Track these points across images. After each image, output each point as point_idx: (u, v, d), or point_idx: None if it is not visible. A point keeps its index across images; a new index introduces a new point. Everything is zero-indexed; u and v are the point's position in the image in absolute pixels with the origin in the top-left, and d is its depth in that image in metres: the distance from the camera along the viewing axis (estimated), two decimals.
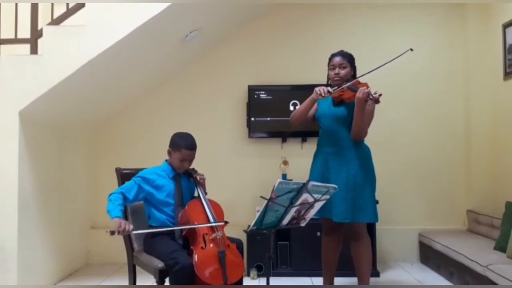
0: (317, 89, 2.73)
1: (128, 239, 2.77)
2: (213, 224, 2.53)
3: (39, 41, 3.22)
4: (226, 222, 2.59)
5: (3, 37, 3.36)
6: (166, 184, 2.67)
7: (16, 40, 3.32)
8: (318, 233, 3.58)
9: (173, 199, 2.66)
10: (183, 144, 2.67)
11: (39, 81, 3.05)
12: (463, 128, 4.25)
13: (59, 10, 3.33)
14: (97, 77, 3.39)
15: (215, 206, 2.70)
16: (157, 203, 2.65)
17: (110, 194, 2.53)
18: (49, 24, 3.20)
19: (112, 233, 2.32)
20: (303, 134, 4.18)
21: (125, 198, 2.53)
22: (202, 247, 2.44)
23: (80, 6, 3.20)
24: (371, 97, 2.60)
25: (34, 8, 3.26)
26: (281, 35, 4.34)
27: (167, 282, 2.47)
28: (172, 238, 2.56)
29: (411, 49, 2.71)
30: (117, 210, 2.42)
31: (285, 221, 2.33)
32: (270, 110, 4.19)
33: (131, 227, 2.37)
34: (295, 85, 4.19)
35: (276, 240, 3.80)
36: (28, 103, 3.06)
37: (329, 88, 2.74)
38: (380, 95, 2.60)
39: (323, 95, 2.69)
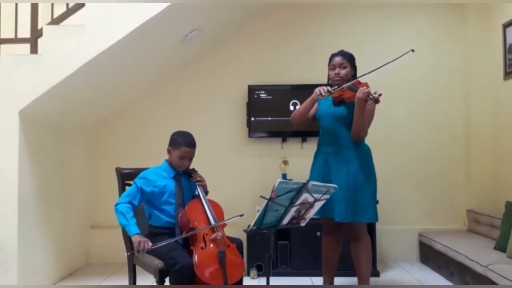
0: (317, 89, 2.74)
1: (128, 238, 2.76)
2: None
3: (39, 40, 3.22)
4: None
5: (3, 36, 3.36)
6: (167, 184, 2.67)
7: (16, 40, 3.32)
8: (318, 233, 3.58)
9: (174, 198, 2.66)
10: (182, 142, 2.68)
11: (39, 80, 3.05)
12: (463, 128, 4.25)
13: (59, 9, 3.33)
14: (97, 77, 3.39)
15: (215, 206, 2.70)
16: (158, 204, 2.65)
17: (118, 204, 2.52)
18: (49, 23, 3.20)
19: (132, 254, 2.38)
20: (303, 134, 4.18)
21: (132, 205, 2.55)
22: (202, 247, 2.44)
23: (80, 6, 3.20)
24: (371, 97, 2.60)
25: (34, 8, 3.26)
26: (281, 35, 4.34)
27: (167, 282, 2.47)
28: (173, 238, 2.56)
29: (412, 50, 2.70)
30: (134, 226, 2.46)
31: (285, 220, 2.32)
32: (270, 110, 4.19)
33: (150, 244, 2.39)
34: (295, 85, 4.19)
35: (276, 240, 3.80)
36: (28, 103, 3.06)
37: (329, 88, 2.74)
38: (380, 95, 2.60)
39: (323, 94, 2.70)
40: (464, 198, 4.22)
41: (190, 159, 2.72)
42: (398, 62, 2.69)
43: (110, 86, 3.76)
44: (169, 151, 2.74)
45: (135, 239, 2.40)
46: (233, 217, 2.47)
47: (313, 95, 2.77)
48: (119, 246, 2.89)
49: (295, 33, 4.33)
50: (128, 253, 2.37)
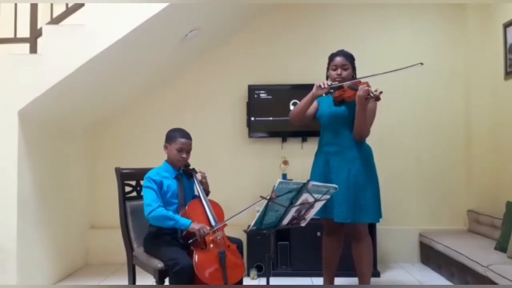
0: (317, 83, 2.73)
1: (128, 238, 2.77)
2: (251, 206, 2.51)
3: (39, 40, 3.22)
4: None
5: (2, 36, 3.35)
6: (170, 184, 2.67)
7: (15, 39, 3.31)
8: (318, 233, 3.58)
9: (176, 198, 2.66)
10: (178, 135, 2.69)
11: (39, 80, 3.04)
12: (463, 128, 4.24)
13: (59, 9, 3.32)
14: (96, 77, 3.38)
15: (215, 206, 2.70)
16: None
17: (151, 212, 2.50)
18: (49, 23, 3.19)
19: (195, 240, 2.40)
20: (303, 134, 4.17)
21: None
22: (202, 248, 2.44)
23: (80, 5, 3.19)
24: (371, 95, 2.60)
25: (34, 7, 3.25)
26: (281, 35, 4.33)
27: (166, 282, 2.47)
28: (173, 238, 2.55)
29: (421, 63, 2.71)
30: (183, 219, 2.50)
31: (285, 221, 2.32)
32: (270, 110, 4.18)
33: (208, 228, 2.45)
34: (295, 84, 4.18)
35: (276, 240, 3.80)
36: (28, 103, 3.06)
37: (329, 82, 2.75)
38: (381, 92, 2.60)
39: (323, 86, 2.69)
40: (465, 198, 4.21)
41: (188, 152, 2.71)
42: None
43: (110, 86, 3.76)
44: (166, 148, 2.73)
45: (194, 227, 2.43)
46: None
47: (313, 90, 2.76)
48: (119, 246, 2.88)
49: (295, 33, 4.33)
50: (190, 241, 2.40)
